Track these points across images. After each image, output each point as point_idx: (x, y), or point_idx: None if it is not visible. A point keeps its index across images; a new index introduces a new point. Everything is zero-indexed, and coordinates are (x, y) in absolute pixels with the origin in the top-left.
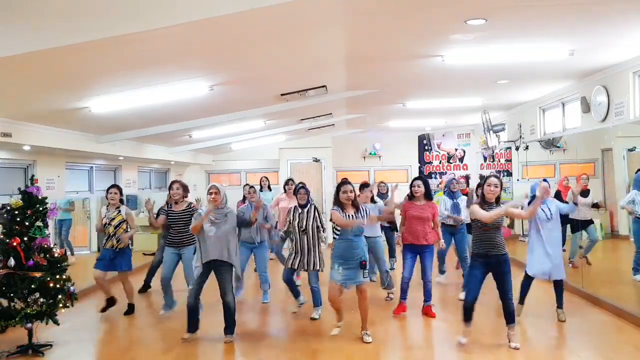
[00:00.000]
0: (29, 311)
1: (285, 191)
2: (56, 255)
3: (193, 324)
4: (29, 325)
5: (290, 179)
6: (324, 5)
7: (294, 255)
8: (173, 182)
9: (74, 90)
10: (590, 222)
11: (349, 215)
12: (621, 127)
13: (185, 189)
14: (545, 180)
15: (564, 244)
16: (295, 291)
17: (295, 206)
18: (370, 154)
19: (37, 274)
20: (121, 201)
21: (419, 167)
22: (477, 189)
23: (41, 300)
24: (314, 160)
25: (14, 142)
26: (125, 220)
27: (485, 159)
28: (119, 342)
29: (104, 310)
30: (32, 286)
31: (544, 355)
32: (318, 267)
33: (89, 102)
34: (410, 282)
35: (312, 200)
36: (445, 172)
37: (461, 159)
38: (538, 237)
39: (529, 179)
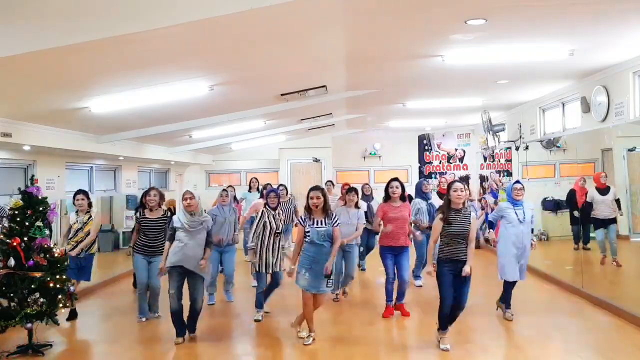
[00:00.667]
0: (29, 311)
1: (262, 196)
2: (56, 255)
3: (181, 328)
4: (29, 325)
5: (268, 184)
6: (324, 5)
7: (259, 258)
8: (151, 189)
9: (74, 90)
10: (614, 220)
11: (317, 221)
12: (621, 127)
13: (162, 197)
14: (518, 181)
15: (587, 242)
16: (260, 302)
17: (265, 209)
18: (370, 154)
19: (37, 274)
20: (89, 205)
21: (419, 167)
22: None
23: (41, 300)
24: (314, 160)
25: (14, 142)
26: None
27: (485, 159)
28: (119, 342)
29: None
30: (32, 286)
31: (544, 355)
32: (283, 268)
33: (89, 102)
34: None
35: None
36: (445, 172)
37: (461, 159)
38: (509, 239)
39: (529, 179)
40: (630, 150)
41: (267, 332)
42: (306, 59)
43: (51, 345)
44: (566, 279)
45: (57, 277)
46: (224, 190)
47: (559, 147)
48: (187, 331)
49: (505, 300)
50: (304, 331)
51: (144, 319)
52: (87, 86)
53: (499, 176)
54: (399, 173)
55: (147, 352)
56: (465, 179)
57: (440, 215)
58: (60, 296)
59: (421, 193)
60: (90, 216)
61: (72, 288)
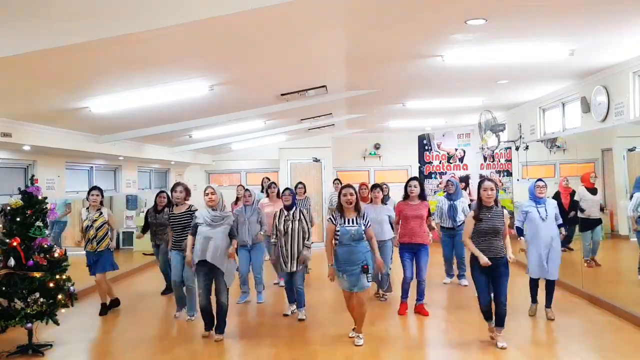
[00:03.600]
0: (29, 311)
1: (267, 195)
2: (56, 255)
3: (209, 322)
4: (29, 325)
5: (272, 183)
6: (324, 5)
7: (281, 258)
8: (177, 185)
9: (74, 90)
10: (599, 221)
11: (349, 220)
12: (621, 127)
13: (187, 192)
14: (540, 179)
15: (569, 242)
16: (291, 297)
17: (281, 209)
18: (370, 154)
19: (37, 274)
20: (101, 203)
21: (419, 167)
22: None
23: (41, 300)
24: (314, 160)
25: (14, 142)
26: (107, 221)
27: (485, 159)
28: (119, 342)
29: (108, 309)
30: (32, 286)
31: (544, 355)
32: (301, 268)
33: (89, 102)
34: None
35: (307, 201)
36: (445, 172)
37: (461, 159)
38: (533, 237)
39: (529, 179)
40: (630, 150)
41: (268, 333)
42: (306, 59)
43: (51, 345)
44: (566, 279)
45: (57, 277)
46: (246, 190)
47: (559, 147)
48: (215, 330)
49: (531, 295)
50: (352, 331)
51: (193, 318)
52: (87, 86)
53: (499, 176)
54: (399, 173)
55: (147, 352)
56: (465, 179)
57: (471, 213)
58: (60, 296)
59: (447, 194)
60: (101, 213)
61: (72, 288)
